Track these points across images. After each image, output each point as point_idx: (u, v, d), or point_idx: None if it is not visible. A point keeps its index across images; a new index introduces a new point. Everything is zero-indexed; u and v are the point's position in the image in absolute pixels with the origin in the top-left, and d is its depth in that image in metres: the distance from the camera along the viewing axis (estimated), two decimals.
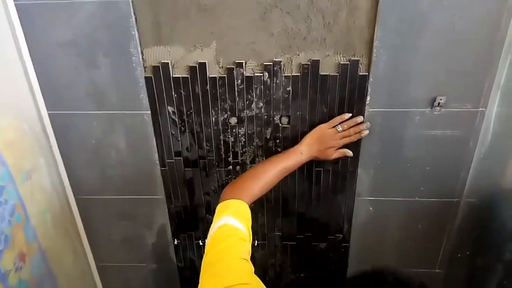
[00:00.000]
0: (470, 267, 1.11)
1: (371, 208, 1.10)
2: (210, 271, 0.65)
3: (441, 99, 0.92)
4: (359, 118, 0.95)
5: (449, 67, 0.89)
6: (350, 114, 0.96)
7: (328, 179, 1.07)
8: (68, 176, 1.11)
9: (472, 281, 1.10)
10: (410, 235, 1.13)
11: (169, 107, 1.00)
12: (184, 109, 1.00)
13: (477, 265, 1.06)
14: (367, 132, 0.96)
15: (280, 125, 1.00)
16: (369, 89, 0.94)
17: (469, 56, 0.88)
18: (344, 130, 0.95)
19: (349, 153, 0.98)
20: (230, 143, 1.04)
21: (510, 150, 0.96)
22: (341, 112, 0.96)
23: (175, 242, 1.20)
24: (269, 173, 0.89)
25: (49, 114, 1.02)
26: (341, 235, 1.14)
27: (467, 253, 1.10)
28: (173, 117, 1.01)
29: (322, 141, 0.95)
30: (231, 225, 0.72)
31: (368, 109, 0.96)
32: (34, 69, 0.96)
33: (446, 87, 0.92)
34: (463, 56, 0.88)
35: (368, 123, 0.97)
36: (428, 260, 1.17)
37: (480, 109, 0.94)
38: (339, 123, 0.95)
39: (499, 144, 0.96)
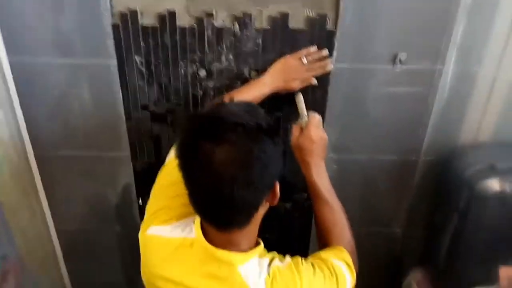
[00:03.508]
0: (427, 225, 1.17)
1: (335, 166, 1.13)
2: (156, 193, 0.78)
3: (402, 55, 0.97)
4: (325, 52, 0.96)
5: (410, 24, 0.94)
6: (316, 47, 0.96)
7: None
8: (28, 130, 1.06)
9: (429, 239, 1.16)
10: (371, 194, 1.17)
11: (136, 57, 0.98)
12: (152, 60, 0.98)
13: (434, 221, 1.11)
14: (331, 66, 0.97)
15: (250, 78, 1.01)
16: (335, 44, 0.97)
17: (428, 13, 0.93)
18: (310, 63, 0.96)
19: (314, 81, 0.98)
20: (199, 97, 1.04)
21: (465, 107, 1.03)
22: None
23: (140, 202, 1.18)
24: None
25: (10, 62, 0.98)
26: (306, 194, 1.16)
27: (425, 211, 1.15)
28: (141, 67, 0.99)
29: (287, 71, 0.96)
30: None
31: (334, 64, 0.98)
32: None
33: (407, 44, 0.96)
34: (423, 13, 0.93)
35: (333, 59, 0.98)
36: (388, 219, 1.21)
37: (438, 66, 0.99)
38: (305, 56, 0.96)
39: (455, 102, 1.02)
